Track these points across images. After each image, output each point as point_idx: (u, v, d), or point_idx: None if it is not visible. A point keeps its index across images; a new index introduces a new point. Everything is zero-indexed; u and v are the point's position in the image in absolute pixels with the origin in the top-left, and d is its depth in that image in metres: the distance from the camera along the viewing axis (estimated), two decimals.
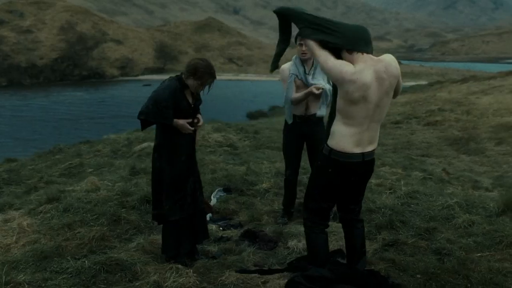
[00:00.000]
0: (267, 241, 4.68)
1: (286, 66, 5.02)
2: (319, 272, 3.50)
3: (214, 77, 4.21)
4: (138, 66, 73.74)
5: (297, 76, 4.91)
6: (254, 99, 48.92)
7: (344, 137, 3.33)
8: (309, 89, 4.86)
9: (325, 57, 3.24)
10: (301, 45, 4.80)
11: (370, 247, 4.60)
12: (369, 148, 3.41)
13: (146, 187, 5.87)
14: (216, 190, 5.97)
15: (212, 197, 5.78)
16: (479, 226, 4.96)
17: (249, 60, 78.37)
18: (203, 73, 4.11)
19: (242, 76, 70.73)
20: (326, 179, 3.47)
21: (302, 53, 4.85)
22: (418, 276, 3.98)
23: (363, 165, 3.42)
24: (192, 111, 4.27)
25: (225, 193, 5.94)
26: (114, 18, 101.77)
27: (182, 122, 4.15)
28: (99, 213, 5.11)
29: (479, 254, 4.39)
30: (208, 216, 5.29)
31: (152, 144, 8.68)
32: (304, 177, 6.34)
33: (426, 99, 17.13)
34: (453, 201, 5.56)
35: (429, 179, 8.15)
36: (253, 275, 4.09)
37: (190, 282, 3.93)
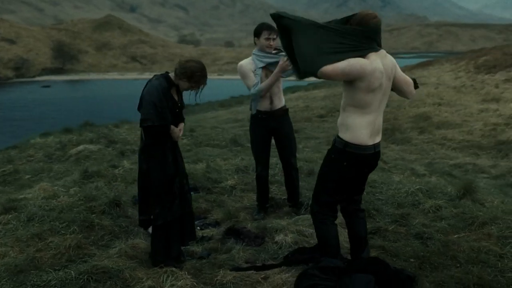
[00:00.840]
0: (254, 238, 4.63)
1: (245, 62, 4.97)
2: (333, 262, 3.52)
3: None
4: (35, 66, 69.76)
5: (263, 68, 4.88)
6: None
7: (360, 129, 3.39)
8: (278, 66, 4.80)
9: (345, 62, 3.25)
10: (269, 39, 4.79)
11: None
12: (378, 139, 3.49)
13: (108, 191, 5.60)
14: None
15: None
16: (446, 210, 5.24)
17: (153, 59, 76.90)
18: (200, 77, 4.02)
19: (147, 75, 69.22)
20: (340, 173, 3.50)
21: (269, 47, 4.84)
22: (412, 260, 4.13)
23: (374, 156, 3.50)
24: (178, 111, 4.14)
25: (192, 192, 5.78)
26: (1, 16, 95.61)
27: (173, 128, 4.04)
28: (68, 220, 4.79)
29: (456, 236, 4.64)
30: None
31: (89, 146, 8.28)
32: (275, 173, 6.34)
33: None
34: (416, 187, 5.82)
35: (381, 168, 8.44)
36: (249, 272, 4.03)
37: (188, 285, 3.81)
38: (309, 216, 5.02)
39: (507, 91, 15.70)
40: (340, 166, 3.48)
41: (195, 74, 3.98)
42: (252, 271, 4.04)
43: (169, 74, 4.07)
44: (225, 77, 54.63)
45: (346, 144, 3.43)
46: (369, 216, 5.07)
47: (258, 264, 4.18)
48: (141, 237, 4.71)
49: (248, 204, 5.61)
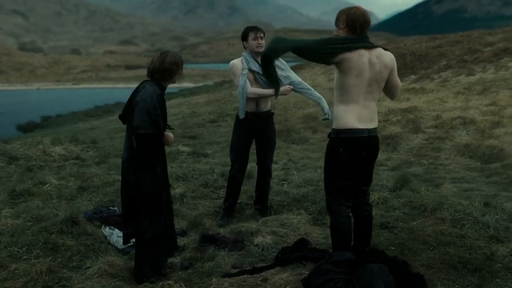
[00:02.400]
0: (234, 242, 4.59)
1: (237, 61, 4.97)
2: (345, 256, 3.63)
3: None
4: None
5: (250, 70, 4.88)
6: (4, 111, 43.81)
7: (346, 114, 3.62)
8: (284, 89, 4.88)
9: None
10: (257, 38, 4.81)
11: (325, 231, 4.87)
12: (371, 125, 3.70)
13: (55, 210, 5.15)
14: None
15: None
16: (393, 200, 5.64)
17: None
18: (181, 61, 3.94)
19: None
20: (338, 159, 3.68)
21: (258, 46, 4.85)
22: (392, 248, 4.40)
23: (370, 140, 3.70)
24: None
25: None
26: None
27: (166, 134, 3.87)
28: (26, 244, 4.34)
29: (415, 223, 5.02)
30: None
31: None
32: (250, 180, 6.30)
33: (225, 98, 18.02)
34: None
35: (287, 168, 8.71)
36: (243, 276, 4.00)
37: None
38: (277, 216, 5.16)
39: None
40: (337, 152, 3.68)
41: (179, 65, 3.89)
42: (246, 275, 4.02)
43: (156, 78, 3.90)
44: (81, 86, 52.10)
45: (337, 131, 3.66)
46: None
47: (248, 268, 4.17)
48: (111, 253, 4.44)
49: (205, 211, 5.52)
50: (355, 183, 3.86)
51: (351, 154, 3.68)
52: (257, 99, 4.98)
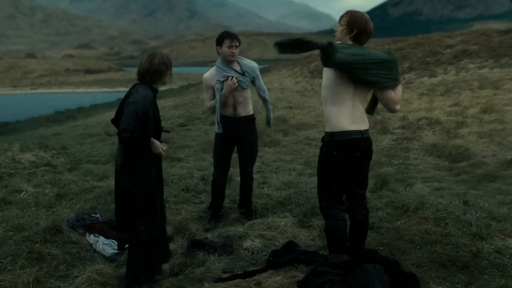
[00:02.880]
0: (223, 246, 4.56)
1: (208, 76, 4.97)
2: (341, 258, 3.66)
3: None
4: None
5: (228, 77, 4.86)
6: None
7: (339, 117, 3.64)
8: (225, 86, 4.85)
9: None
10: (232, 46, 4.78)
11: (312, 233, 4.90)
12: (363, 127, 3.73)
13: (36, 218, 5.01)
14: None
15: None
16: (375, 201, 5.72)
17: None
18: (169, 60, 3.92)
19: None
20: (333, 162, 3.69)
21: (232, 55, 4.83)
22: (381, 248, 4.46)
23: (363, 141, 3.73)
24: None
25: None
26: None
27: (153, 141, 3.81)
28: (10, 254, 4.21)
29: (399, 222, 5.10)
30: None
31: None
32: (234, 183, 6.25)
33: (193, 101, 17.93)
34: None
35: (262, 171, 8.70)
36: (236, 281, 3.99)
37: None
38: (263, 220, 5.15)
39: None
40: (332, 156, 3.69)
41: (168, 66, 3.87)
42: (239, 279, 4.01)
43: (147, 80, 3.85)
44: (39, 91, 50.85)
45: (332, 134, 3.67)
46: (317, 214, 5.29)
47: (239, 272, 4.15)
48: (98, 262, 4.36)
49: (189, 216, 5.47)
50: (351, 187, 3.88)
51: (346, 157, 3.69)
52: (235, 105, 4.98)
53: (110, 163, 8.95)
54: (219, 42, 4.87)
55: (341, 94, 3.60)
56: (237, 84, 4.86)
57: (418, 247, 4.53)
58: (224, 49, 4.83)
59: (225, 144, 5.12)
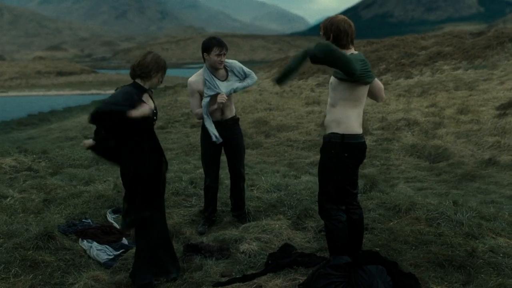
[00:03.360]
0: (220, 250, 4.53)
1: (194, 81, 4.92)
2: (343, 259, 3.67)
3: None
4: None
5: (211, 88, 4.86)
6: None
7: (353, 121, 3.70)
8: (218, 100, 4.85)
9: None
10: (221, 55, 4.75)
11: (307, 236, 4.90)
12: (362, 130, 3.81)
13: (26, 224, 4.90)
14: (107, 213, 5.36)
15: (111, 221, 5.17)
16: (366, 202, 5.75)
17: None
18: (164, 63, 3.91)
19: None
20: (343, 164, 3.72)
21: (220, 63, 4.81)
22: (377, 249, 4.48)
23: (365, 144, 3.82)
24: (155, 117, 3.92)
25: (117, 214, 5.37)
26: None
27: (139, 108, 3.64)
28: (3, 262, 4.13)
29: (391, 223, 5.15)
30: (126, 241, 4.77)
31: None
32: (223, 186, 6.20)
33: (171, 104, 17.79)
34: None
35: (246, 173, 8.70)
36: (236, 284, 3.97)
37: None
38: (257, 222, 5.14)
39: (322, 94, 17.44)
40: (342, 158, 3.71)
41: (160, 64, 3.85)
42: (238, 283, 3.99)
43: (137, 81, 3.83)
44: (10, 94, 49.90)
45: (343, 136, 3.69)
46: (310, 215, 5.31)
47: (238, 276, 4.13)
48: (94, 268, 4.29)
49: (182, 220, 5.41)
50: (345, 187, 3.91)
51: (356, 159, 3.75)
52: (222, 108, 4.97)
53: (92, 167, 8.84)
54: (207, 49, 4.80)
55: (361, 99, 3.67)
56: (226, 99, 4.85)
57: (413, 247, 4.57)
58: (213, 57, 4.78)
59: (214, 150, 5.10)
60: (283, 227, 4.98)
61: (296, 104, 15.88)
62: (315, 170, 10.29)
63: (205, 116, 4.92)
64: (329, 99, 3.82)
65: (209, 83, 4.84)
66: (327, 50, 3.39)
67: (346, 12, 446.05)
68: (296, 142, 12.16)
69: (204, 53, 4.83)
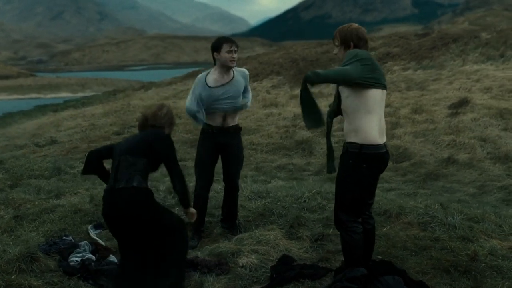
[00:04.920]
0: (218, 265, 4.32)
1: (200, 79, 4.73)
2: (359, 271, 3.57)
3: None
4: None
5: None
6: None
7: (371, 130, 3.56)
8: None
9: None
10: (232, 51, 4.57)
11: (303, 245, 4.77)
12: (385, 139, 3.71)
13: (1, 245, 4.50)
14: (88, 229, 5.03)
15: (95, 238, 4.85)
16: None
17: None
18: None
19: None
20: (362, 175, 3.60)
21: (232, 60, 4.62)
22: (379, 257, 4.40)
23: (387, 155, 3.69)
24: None
25: (99, 230, 5.05)
26: None
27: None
28: None
29: (385, 229, 5.10)
30: (114, 258, 4.47)
31: None
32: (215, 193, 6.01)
33: (124, 108, 17.21)
34: (312, 192, 6.12)
35: (217, 180, 8.49)
36: None
37: None
38: (250, 234, 4.96)
39: (279, 96, 17.38)
40: (360, 169, 3.59)
41: (174, 119, 3.97)
42: None
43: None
44: None
45: (361, 146, 3.56)
46: (303, 224, 5.18)
47: None
48: None
49: None
50: (363, 199, 3.81)
51: (375, 170, 3.65)
52: (225, 115, 4.79)
53: (54, 177, 8.37)
54: (217, 48, 4.65)
55: (371, 101, 3.53)
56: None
57: (413, 253, 4.53)
58: (224, 54, 4.61)
59: (211, 155, 4.90)
60: (278, 238, 4.82)
61: (254, 106, 15.72)
62: (283, 174, 10.20)
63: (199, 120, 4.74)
64: (342, 107, 3.69)
65: (201, 87, 4.67)
66: (317, 72, 3.41)
67: (286, 14, 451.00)
68: (260, 145, 12.02)
69: (215, 53, 4.68)
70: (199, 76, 4.81)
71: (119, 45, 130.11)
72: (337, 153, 3.90)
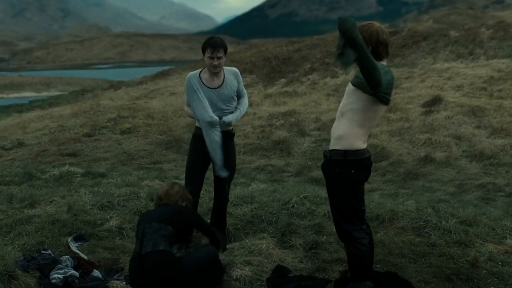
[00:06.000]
0: None
1: (192, 77, 4.49)
2: (366, 286, 3.40)
3: None
4: None
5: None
6: None
7: (357, 138, 3.41)
8: None
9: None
10: (213, 58, 4.30)
11: (297, 255, 4.58)
12: (366, 145, 3.55)
13: None
14: (69, 241, 4.72)
15: (76, 251, 4.55)
16: None
17: None
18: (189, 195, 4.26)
19: None
20: (352, 181, 3.45)
21: (213, 67, 4.36)
22: (378, 265, 4.25)
23: (370, 159, 3.56)
24: None
25: (80, 242, 4.75)
26: None
27: None
28: None
29: (379, 235, 4.95)
30: (99, 273, 4.19)
31: None
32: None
33: (93, 108, 16.73)
34: (300, 196, 5.93)
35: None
36: None
37: None
38: (241, 243, 4.76)
39: (253, 95, 17.18)
40: (349, 175, 3.43)
41: (187, 195, 4.21)
42: None
43: None
44: None
45: (345, 152, 3.40)
46: (294, 231, 4.99)
47: None
48: None
49: None
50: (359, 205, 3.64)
51: (363, 174, 3.48)
52: (219, 118, 4.55)
53: (25, 183, 7.98)
54: (203, 50, 4.41)
55: (373, 119, 3.44)
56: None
57: (412, 261, 4.40)
58: (206, 59, 4.37)
59: (202, 160, 4.65)
60: (271, 247, 4.61)
61: None
62: (263, 176, 10.00)
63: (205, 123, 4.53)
64: (340, 105, 3.52)
65: (195, 86, 4.43)
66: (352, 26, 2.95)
67: (252, 12, 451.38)
68: (237, 146, 11.73)
69: (203, 55, 4.45)
70: (191, 77, 4.54)
71: (83, 43, 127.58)
72: (315, 154, 3.73)
